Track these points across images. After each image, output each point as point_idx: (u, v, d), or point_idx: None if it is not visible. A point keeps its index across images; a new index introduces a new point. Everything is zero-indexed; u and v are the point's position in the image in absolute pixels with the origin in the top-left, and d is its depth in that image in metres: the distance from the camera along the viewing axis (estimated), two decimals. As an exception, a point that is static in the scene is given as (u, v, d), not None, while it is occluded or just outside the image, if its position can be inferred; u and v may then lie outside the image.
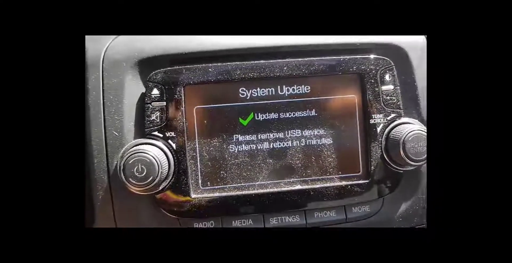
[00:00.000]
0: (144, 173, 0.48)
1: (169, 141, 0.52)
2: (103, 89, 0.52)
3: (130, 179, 0.48)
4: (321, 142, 0.54)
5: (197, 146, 0.53)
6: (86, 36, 0.55)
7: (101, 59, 0.53)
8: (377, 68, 0.54)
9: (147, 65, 0.53)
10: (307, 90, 0.54)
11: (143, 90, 0.53)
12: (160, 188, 0.51)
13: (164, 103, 0.52)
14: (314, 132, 0.54)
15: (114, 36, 0.55)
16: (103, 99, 0.52)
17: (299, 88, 0.54)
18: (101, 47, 0.54)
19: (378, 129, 0.54)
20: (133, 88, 0.53)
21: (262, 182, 0.54)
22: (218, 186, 0.53)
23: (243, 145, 0.54)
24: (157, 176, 0.48)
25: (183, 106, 0.52)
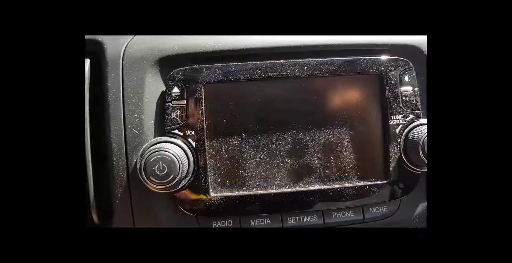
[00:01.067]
0: (166, 172, 0.48)
1: (189, 139, 0.52)
2: (123, 87, 0.52)
3: (151, 177, 0.48)
4: (340, 142, 0.54)
5: (217, 145, 0.53)
6: (105, 35, 0.55)
7: (121, 57, 0.53)
8: (397, 69, 0.54)
9: (167, 64, 0.53)
10: (328, 91, 0.54)
11: (163, 88, 0.53)
12: (180, 186, 0.51)
13: (185, 101, 0.52)
14: (332, 132, 0.54)
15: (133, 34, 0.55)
16: (123, 97, 0.52)
17: (318, 89, 0.54)
18: (121, 45, 0.54)
19: (397, 130, 0.54)
20: (153, 86, 0.53)
21: (281, 182, 0.54)
22: (237, 185, 0.53)
23: (262, 144, 0.54)
24: (178, 175, 0.48)
25: (203, 104, 0.52)
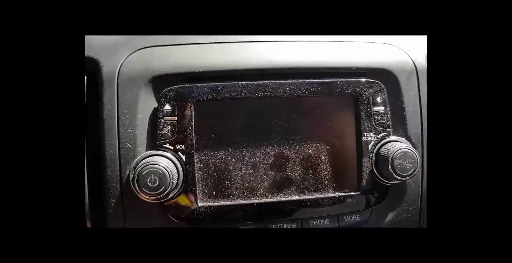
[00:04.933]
0: (157, 184, 0.52)
1: (179, 153, 0.56)
2: (117, 104, 0.56)
3: (144, 189, 0.52)
4: (317, 156, 0.59)
5: (205, 158, 0.57)
6: (101, 51, 0.59)
7: (116, 75, 0.56)
8: (370, 90, 0.60)
9: (159, 82, 0.57)
10: (308, 109, 0.59)
11: (155, 105, 0.57)
12: (170, 196, 0.55)
13: (175, 118, 0.56)
14: (311, 147, 0.59)
15: (128, 53, 0.58)
16: (117, 113, 0.56)
17: (299, 108, 0.59)
18: (116, 63, 0.57)
19: (369, 146, 0.60)
20: (146, 103, 0.57)
21: (263, 192, 0.58)
22: (223, 195, 0.58)
23: (247, 157, 0.58)
24: (168, 186, 0.52)
25: (193, 121, 0.56)
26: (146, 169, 0.52)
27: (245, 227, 0.59)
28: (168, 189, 0.52)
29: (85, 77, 0.58)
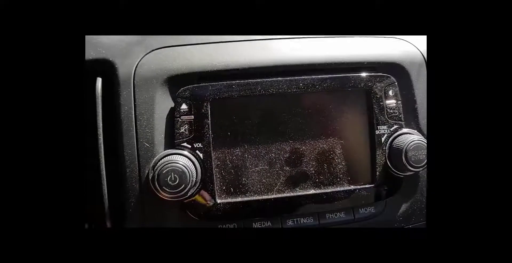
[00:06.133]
0: (177, 182, 0.53)
1: (197, 151, 0.57)
2: (135, 104, 0.57)
3: (164, 187, 0.53)
4: (332, 151, 0.60)
5: (222, 155, 0.58)
6: (116, 53, 0.59)
7: (132, 76, 0.57)
8: (382, 84, 0.60)
9: (175, 82, 0.57)
10: (321, 104, 0.60)
11: (172, 105, 0.58)
12: (189, 194, 0.56)
13: (192, 116, 0.56)
14: (326, 142, 0.60)
15: (142, 54, 0.59)
16: (135, 113, 0.57)
17: (313, 103, 0.60)
18: (132, 65, 0.58)
19: (383, 139, 0.61)
20: (163, 103, 0.58)
21: (280, 188, 0.59)
22: (240, 192, 0.59)
23: (263, 154, 0.59)
24: (188, 184, 0.53)
25: (209, 119, 0.57)
26: (166, 168, 0.53)
27: (258, 226, 0.59)
28: (188, 187, 0.53)
29: (100, 78, 0.58)
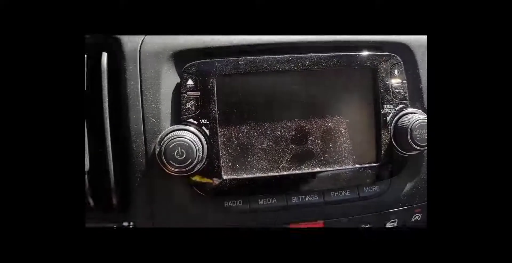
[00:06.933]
0: (184, 156, 0.53)
1: (203, 127, 0.57)
2: (140, 79, 0.56)
3: (171, 162, 0.53)
4: (337, 129, 0.61)
5: (228, 132, 0.58)
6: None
7: (138, 52, 0.57)
8: (388, 63, 0.61)
9: (181, 58, 0.57)
10: (327, 83, 0.60)
11: (178, 80, 0.58)
12: (195, 170, 0.56)
13: (198, 92, 0.56)
14: (331, 120, 0.60)
15: None
16: (141, 88, 0.56)
17: (319, 81, 0.60)
18: (137, 40, 0.57)
19: (388, 118, 0.61)
20: (169, 78, 0.57)
21: (285, 165, 0.60)
22: (246, 169, 0.59)
23: (269, 131, 0.59)
24: (195, 159, 0.53)
25: (215, 95, 0.57)
26: (173, 142, 0.53)
27: (263, 203, 0.60)
28: (195, 162, 0.53)
29: (105, 53, 0.58)
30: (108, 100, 0.56)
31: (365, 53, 0.60)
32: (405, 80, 0.62)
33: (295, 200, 0.60)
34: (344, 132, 0.61)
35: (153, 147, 0.56)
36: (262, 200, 0.60)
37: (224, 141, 0.58)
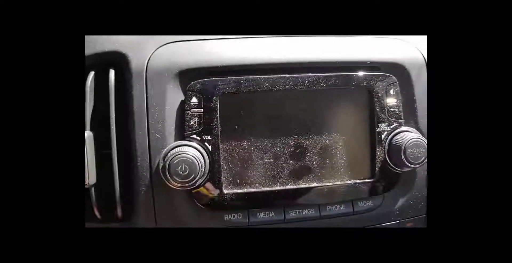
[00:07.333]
0: (187, 172, 0.55)
1: (205, 143, 0.59)
2: (146, 96, 0.59)
3: (174, 177, 0.55)
4: (334, 146, 0.63)
5: (229, 148, 0.60)
6: (128, 46, 0.61)
7: (145, 69, 0.59)
8: (383, 83, 0.63)
9: (186, 76, 0.60)
10: (325, 101, 0.62)
11: (183, 98, 0.60)
12: (197, 184, 0.58)
13: (202, 110, 0.59)
14: (328, 138, 0.63)
15: (154, 47, 0.60)
16: (147, 105, 0.59)
17: (317, 100, 0.62)
18: (144, 58, 0.60)
19: (383, 136, 0.63)
20: (174, 96, 0.60)
21: (284, 180, 0.62)
22: (246, 183, 0.61)
23: (268, 147, 0.61)
24: (197, 174, 0.56)
25: (218, 113, 0.59)
26: (177, 158, 0.55)
27: (262, 216, 0.62)
28: (197, 177, 0.56)
29: (113, 70, 0.60)
30: (115, 116, 0.59)
31: (361, 73, 0.63)
32: (400, 99, 0.64)
33: (292, 214, 0.63)
34: (341, 148, 0.63)
35: (157, 162, 0.59)
36: (260, 213, 0.62)
37: (226, 156, 0.60)
